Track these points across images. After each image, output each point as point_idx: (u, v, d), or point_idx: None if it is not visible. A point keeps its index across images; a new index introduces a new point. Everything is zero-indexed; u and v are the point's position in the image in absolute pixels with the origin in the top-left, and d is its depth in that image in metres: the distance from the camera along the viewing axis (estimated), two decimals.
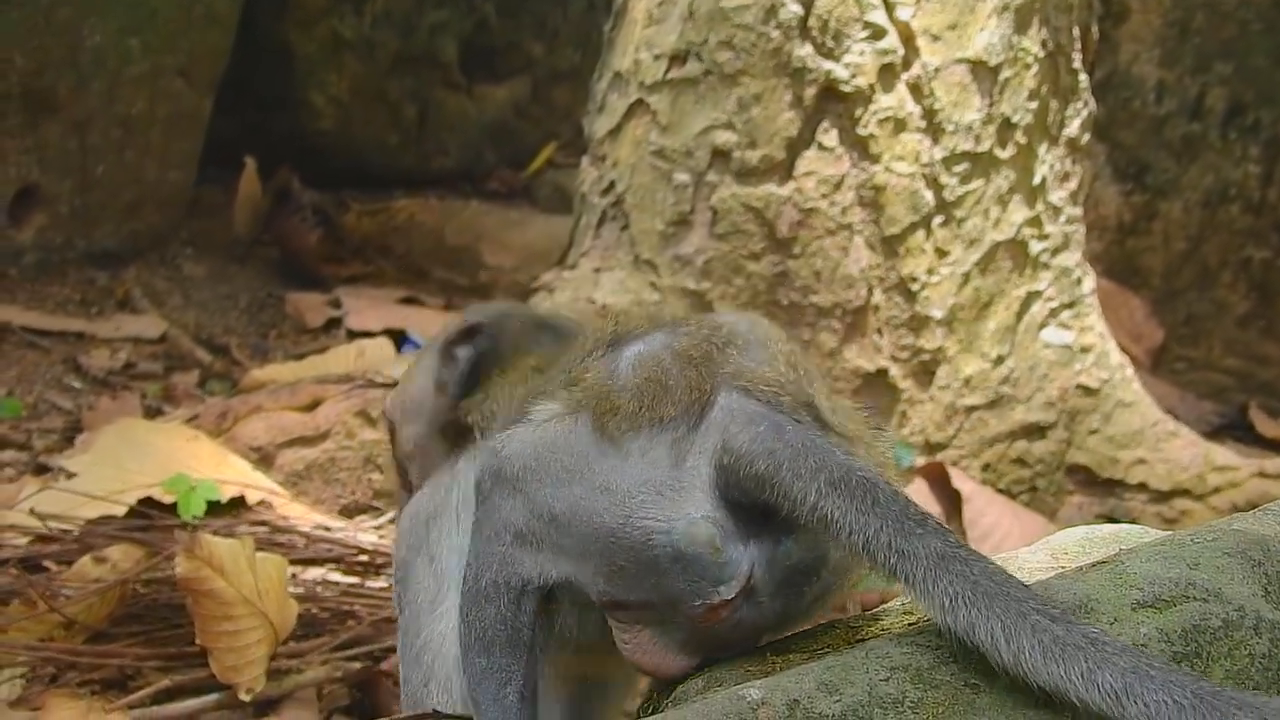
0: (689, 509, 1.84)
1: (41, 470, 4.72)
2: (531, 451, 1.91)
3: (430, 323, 6.12)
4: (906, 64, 5.01)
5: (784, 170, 5.07)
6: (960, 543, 1.78)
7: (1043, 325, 5.29)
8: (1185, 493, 5.23)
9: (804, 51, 4.98)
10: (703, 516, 1.84)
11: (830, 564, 1.93)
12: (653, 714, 1.93)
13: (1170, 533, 2.12)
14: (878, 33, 4.98)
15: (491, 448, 1.98)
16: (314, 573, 4.18)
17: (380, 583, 4.17)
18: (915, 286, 5.14)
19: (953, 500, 4.94)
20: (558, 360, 2.14)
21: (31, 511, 3.99)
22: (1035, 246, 5.23)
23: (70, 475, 4.41)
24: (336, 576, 4.19)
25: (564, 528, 1.87)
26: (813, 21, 4.98)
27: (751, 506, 1.86)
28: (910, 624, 1.94)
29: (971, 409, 5.21)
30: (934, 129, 5.07)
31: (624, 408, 1.88)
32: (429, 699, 2.25)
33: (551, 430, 1.92)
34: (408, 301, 6.54)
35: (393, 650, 3.65)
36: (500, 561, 1.94)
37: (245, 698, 3.04)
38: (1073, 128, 5.30)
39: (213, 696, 3.06)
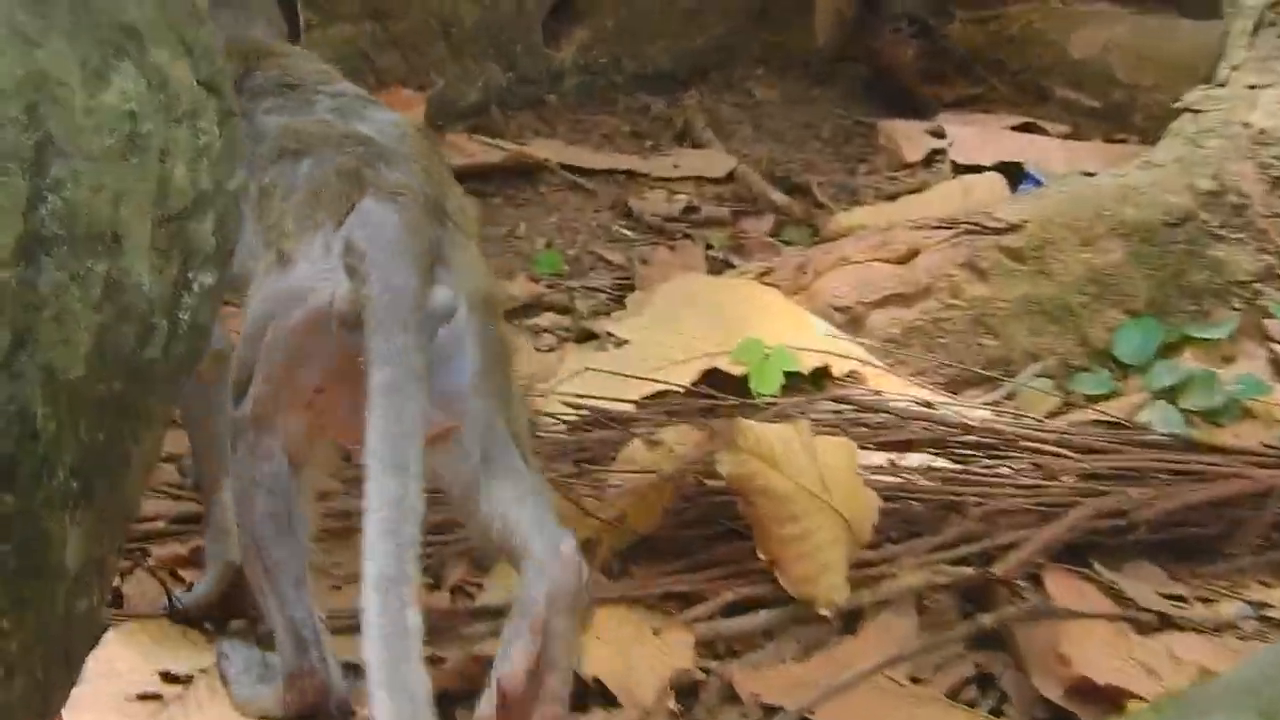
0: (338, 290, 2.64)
1: (586, 337, 4.77)
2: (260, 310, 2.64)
3: (1052, 154, 5.99)
4: None
5: None
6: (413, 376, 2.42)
7: None
8: None
9: None
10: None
11: None
12: None
13: None
14: None
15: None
16: (913, 459, 4.10)
17: (989, 464, 4.09)
18: None
19: None
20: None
21: (571, 393, 4.11)
22: None
23: (620, 343, 4.53)
24: (940, 462, 4.07)
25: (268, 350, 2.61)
26: None
27: None
28: None
29: None
30: None
31: (289, 230, 2.66)
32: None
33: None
34: (1024, 128, 6.38)
35: (1006, 549, 3.70)
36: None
37: (824, 611, 3.17)
38: None
39: (786, 609, 3.17)
